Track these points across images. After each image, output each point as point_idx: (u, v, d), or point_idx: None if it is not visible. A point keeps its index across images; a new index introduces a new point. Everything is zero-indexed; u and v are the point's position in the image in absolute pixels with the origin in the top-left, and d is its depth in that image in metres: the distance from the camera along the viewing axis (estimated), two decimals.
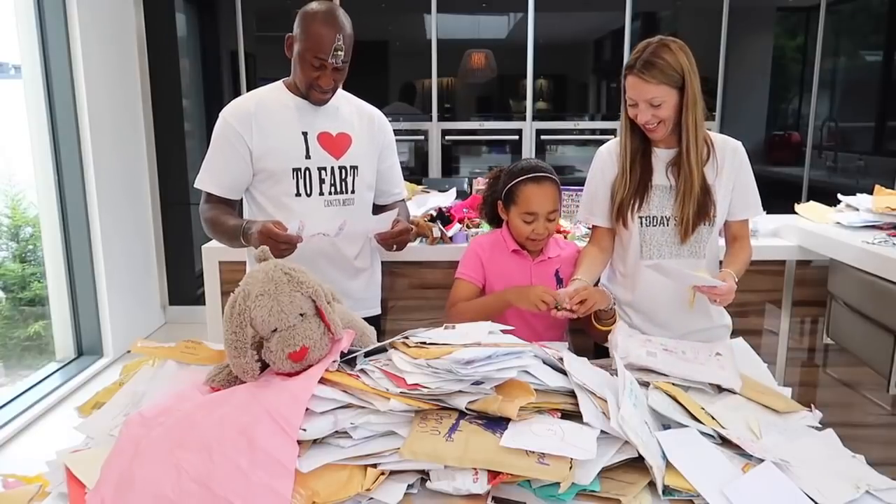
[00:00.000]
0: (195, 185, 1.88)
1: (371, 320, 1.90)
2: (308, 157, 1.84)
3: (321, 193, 1.86)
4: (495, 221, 1.97)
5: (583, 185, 1.95)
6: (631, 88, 1.69)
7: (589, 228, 1.96)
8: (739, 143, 1.83)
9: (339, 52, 1.75)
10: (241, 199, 1.95)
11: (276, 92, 1.89)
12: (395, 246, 1.84)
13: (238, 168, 1.84)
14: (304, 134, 1.84)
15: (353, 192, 1.90)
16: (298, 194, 1.84)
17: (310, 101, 1.85)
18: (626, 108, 1.76)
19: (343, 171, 1.88)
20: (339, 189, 1.88)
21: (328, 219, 1.76)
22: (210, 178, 1.87)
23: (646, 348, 1.52)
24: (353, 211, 1.89)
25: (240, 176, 1.85)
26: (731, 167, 1.80)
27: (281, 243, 1.61)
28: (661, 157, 1.80)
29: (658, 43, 1.68)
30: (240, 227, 1.75)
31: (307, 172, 1.84)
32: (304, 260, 1.77)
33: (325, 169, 1.85)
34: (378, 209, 2.03)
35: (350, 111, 1.94)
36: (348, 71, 1.83)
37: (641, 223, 1.80)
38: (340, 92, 1.93)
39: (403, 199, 2.12)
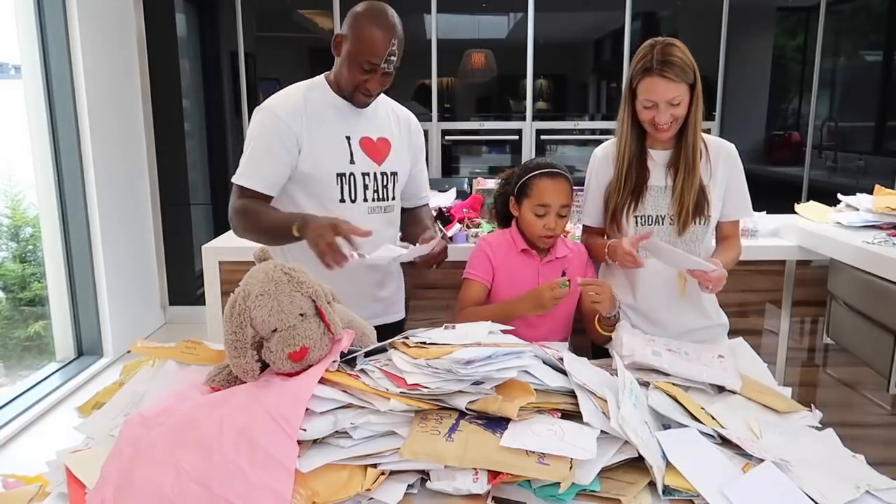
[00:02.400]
0: (233, 181, 1.76)
1: (396, 325, 1.91)
2: (352, 161, 1.78)
3: (365, 200, 1.80)
4: (505, 221, 1.96)
5: (582, 185, 1.96)
6: (650, 90, 1.68)
7: None
8: (732, 146, 1.85)
9: (392, 58, 1.69)
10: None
11: (319, 90, 1.79)
12: (434, 265, 1.81)
13: (284, 164, 1.73)
14: (348, 138, 1.78)
15: (393, 198, 1.87)
16: (343, 200, 1.77)
17: (352, 102, 1.78)
18: (630, 112, 1.76)
19: (384, 177, 1.83)
20: (381, 196, 1.83)
21: (385, 255, 1.69)
22: (254, 173, 1.73)
23: (650, 347, 1.52)
24: (392, 219, 1.88)
25: (283, 172, 1.74)
26: (724, 169, 1.82)
27: (338, 254, 1.51)
28: (656, 159, 1.82)
29: (664, 43, 1.68)
30: (292, 219, 1.63)
31: (352, 178, 1.77)
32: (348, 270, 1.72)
33: (368, 175, 1.80)
34: (404, 213, 1.99)
35: (387, 114, 1.89)
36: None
37: (637, 222, 1.81)
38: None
39: (427, 203, 2.09)
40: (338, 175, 1.76)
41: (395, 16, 1.71)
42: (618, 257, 1.74)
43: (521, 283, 1.81)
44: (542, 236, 1.80)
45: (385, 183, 1.84)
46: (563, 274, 1.83)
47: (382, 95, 1.89)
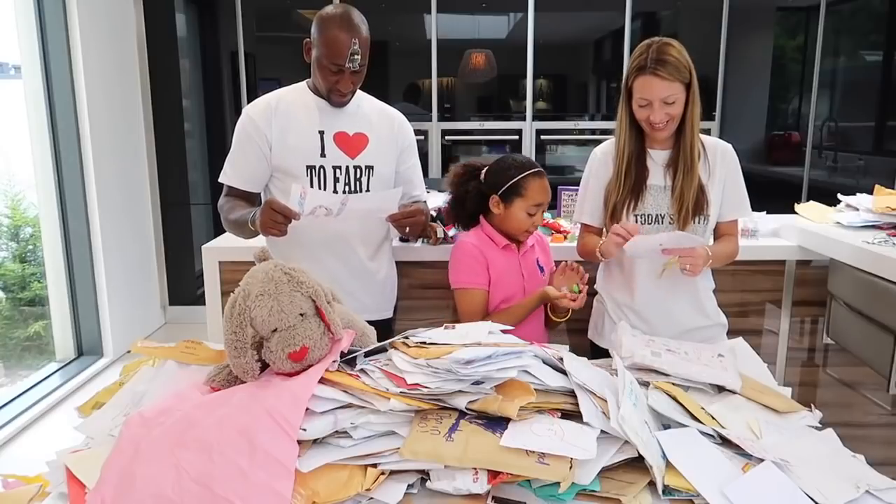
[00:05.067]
0: (219, 180, 1.93)
1: (383, 324, 1.93)
2: (323, 155, 1.87)
3: (335, 191, 1.87)
4: (472, 219, 1.94)
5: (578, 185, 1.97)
6: (644, 89, 1.69)
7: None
8: (729, 146, 1.86)
9: (356, 57, 1.76)
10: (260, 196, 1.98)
11: (297, 91, 1.93)
12: (408, 229, 1.86)
13: (258, 161, 1.88)
14: (321, 133, 1.87)
15: (367, 191, 1.91)
16: None
17: (330, 103, 1.88)
18: (628, 111, 1.77)
19: (358, 170, 1.89)
20: (353, 188, 1.89)
21: (331, 197, 1.77)
22: (232, 171, 1.92)
23: (650, 349, 1.52)
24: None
25: (259, 169, 1.89)
26: (722, 168, 1.83)
27: (278, 213, 1.65)
28: (655, 158, 1.82)
29: (660, 42, 1.70)
30: (249, 214, 1.78)
31: (321, 170, 1.86)
32: (316, 261, 1.79)
33: (339, 168, 1.87)
34: None
35: (370, 111, 1.96)
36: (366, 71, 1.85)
37: (637, 221, 1.82)
38: (361, 93, 1.96)
39: (425, 202, 2.12)
40: (308, 167, 1.86)
41: (358, 16, 1.80)
42: (608, 242, 1.76)
43: (508, 277, 1.85)
44: (527, 231, 1.86)
45: (358, 176, 1.90)
46: (537, 262, 1.94)
47: (370, 96, 1.99)
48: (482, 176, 1.90)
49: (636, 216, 1.81)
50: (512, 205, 1.83)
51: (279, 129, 1.86)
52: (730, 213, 1.87)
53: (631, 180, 1.80)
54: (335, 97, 1.86)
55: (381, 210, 1.82)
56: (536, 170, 1.83)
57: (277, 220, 1.66)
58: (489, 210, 1.87)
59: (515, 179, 1.82)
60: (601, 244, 1.81)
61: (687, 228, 1.78)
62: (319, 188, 1.86)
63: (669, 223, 1.80)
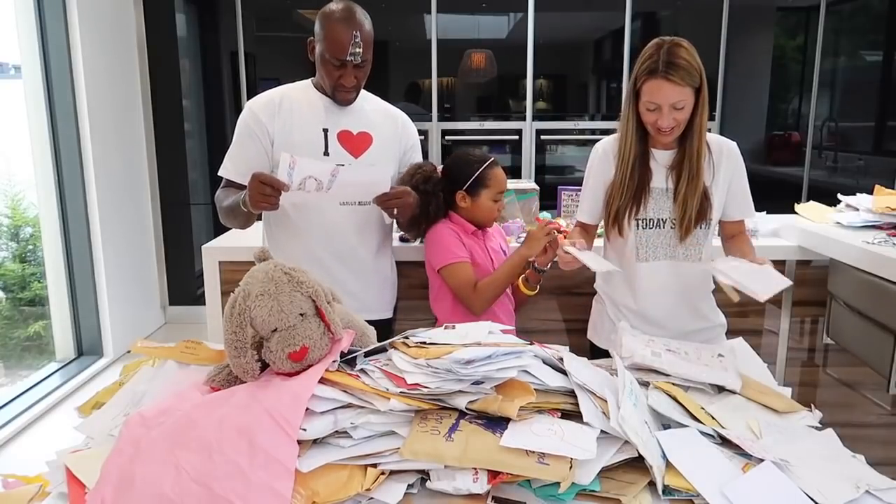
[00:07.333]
0: (218, 173, 1.91)
1: (383, 324, 1.93)
2: (326, 153, 1.86)
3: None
4: (435, 221, 1.98)
5: (580, 185, 1.97)
6: (654, 92, 1.65)
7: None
8: (734, 145, 1.83)
9: (358, 50, 1.76)
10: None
11: (302, 89, 1.92)
12: (396, 210, 1.82)
13: (258, 156, 1.86)
14: (325, 131, 1.87)
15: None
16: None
17: (336, 100, 1.87)
18: (634, 112, 1.73)
19: None
20: None
21: (321, 165, 1.73)
22: (231, 165, 1.90)
23: (650, 348, 1.52)
24: (369, 210, 1.88)
25: (259, 164, 1.84)
26: (726, 169, 1.80)
27: (266, 185, 1.62)
28: (659, 160, 1.80)
29: (671, 43, 1.65)
30: (241, 195, 1.75)
31: None
32: (315, 260, 1.78)
33: (342, 166, 1.82)
34: None
35: (374, 111, 1.96)
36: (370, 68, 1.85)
37: (638, 226, 1.80)
38: (366, 93, 1.95)
39: None
40: None
41: (361, 12, 1.81)
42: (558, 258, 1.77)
43: (479, 260, 1.95)
44: (494, 218, 2.00)
45: None
46: (500, 246, 2.06)
47: (372, 95, 1.99)
48: (437, 176, 1.96)
49: (637, 221, 1.80)
50: (479, 196, 1.94)
51: (282, 126, 1.85)
52: (736, 214, 1.85)
53: (634, 183, 1.77)
54: (340, 94, 1.84)
55: (371, 185, 1.77)
56: (493, 160, 1.96)
57: (266, 192, 1.63)
58: (454, 205, 1.97)
59: (479, 172, 1.93)
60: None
61: (689, 234, 1.77)
62: None
63: (671, 227, 1.79)
